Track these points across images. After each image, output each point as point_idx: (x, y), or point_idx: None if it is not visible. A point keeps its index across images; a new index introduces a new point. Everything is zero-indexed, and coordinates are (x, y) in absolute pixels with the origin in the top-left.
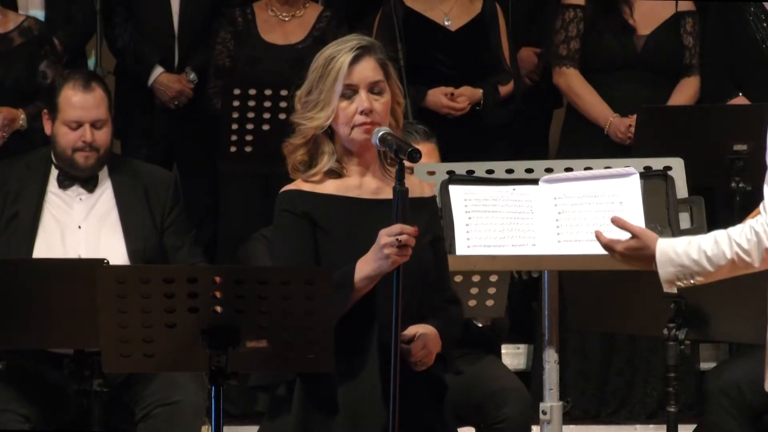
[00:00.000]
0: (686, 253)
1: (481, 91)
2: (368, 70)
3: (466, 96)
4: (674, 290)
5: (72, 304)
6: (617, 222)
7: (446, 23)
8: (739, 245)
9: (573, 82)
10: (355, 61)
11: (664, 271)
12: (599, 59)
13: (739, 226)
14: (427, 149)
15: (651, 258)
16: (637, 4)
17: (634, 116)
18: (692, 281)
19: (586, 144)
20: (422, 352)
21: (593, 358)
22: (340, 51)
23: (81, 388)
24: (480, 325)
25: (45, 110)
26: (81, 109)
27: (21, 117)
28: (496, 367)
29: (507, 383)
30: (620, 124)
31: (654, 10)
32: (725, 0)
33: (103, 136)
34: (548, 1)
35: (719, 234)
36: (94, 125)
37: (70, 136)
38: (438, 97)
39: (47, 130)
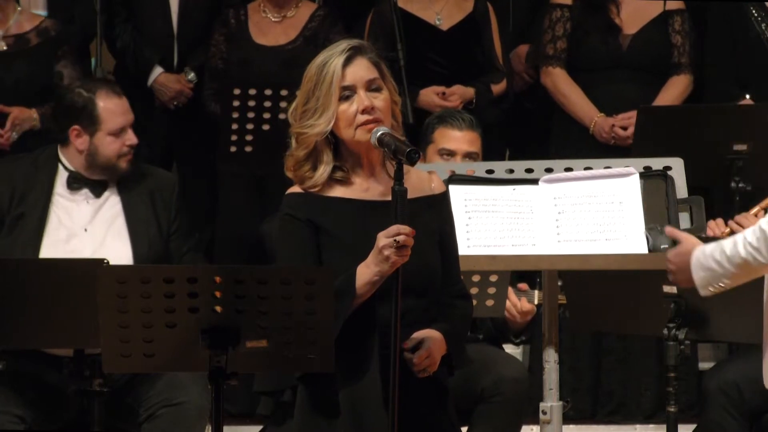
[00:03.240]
0: (712, 255)
1: (473, 89)
2: (362, 69)
3: (458, 95)
4: (708, 294)
5: (72, 304)
6: (669, 233)
7: (437, 23)
8: (750, 243)
9: (559, 81)
10: (347, 62)
11: (697, 275)
12: (585, 59)
13: (752, 226)
14: (471, 137)
15: (689, 263)
16: (624, 4)
17: (619, 116)
18: (721, 285)
19: (575, 144)
20: (426, 362)
21: (584, 358)
22: (332, 56)
23: (81, 388)
24: (514, 339)
25: (75, 126)
26: (122, 114)
27: (34, 116)
28: (497, 353)
29: (505, 361)
30: (605, 124)
31: (642, 9)
32: (726, 0)
33: (135, 136)
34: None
35: (738, 235)
36: (132, 127)
37: (115, 144)
38: (430, 96)
39: (80, 146)
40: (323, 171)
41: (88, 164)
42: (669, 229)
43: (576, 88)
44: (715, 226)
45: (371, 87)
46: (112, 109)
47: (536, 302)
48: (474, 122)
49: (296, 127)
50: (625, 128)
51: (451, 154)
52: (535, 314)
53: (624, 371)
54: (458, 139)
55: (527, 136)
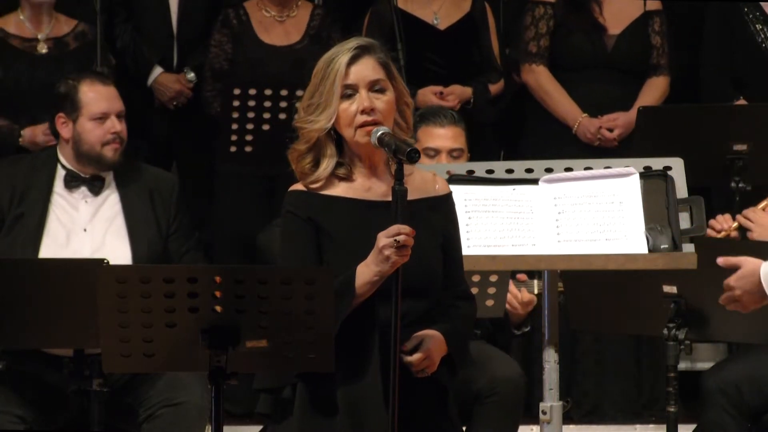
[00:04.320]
0: None
1: (471, 89)
2: (367, 69)
3: (455, 95)
4: None
5: (72, 304)
6: (724, 263)
7: (435, 22)
8: None
9: (542, 79)
10: (353, 61)
11: None
12: (569, 58)
13: None
14: (454, 133)
15: (758, 282)
16: (606, 3)
17: (605, 117)
18: None
19: (552, 143)
20: (424, 363)
21: (564, 358)
22: (339, 53)
23: (81, 388)
24: (516, 332)
25: (60, 114)
26: (106, 100)
27: None
28: (493, 353)
29: (500, 361)
30: (590, 125)
31: (623, 9)
32: (723, 0)
33: (125, 128)
34: None
35: None
36: (118, 116)
37: (98, 130)
38: (428, 96)
39: (65, 134)
40: (326, 166)
41: (75, 155)
42: (722, 260)
43: (559, 86)
44: (723, 220)
45: (374, 87)
46: (93, 94)
47: (536, 291)
48: (456, 117)
49: (299, 121)
50: (611, 129)
51: (436, 151)
52: (536, 304)
53: (600, 372)
54: (441, 136)
55: (523, 137)
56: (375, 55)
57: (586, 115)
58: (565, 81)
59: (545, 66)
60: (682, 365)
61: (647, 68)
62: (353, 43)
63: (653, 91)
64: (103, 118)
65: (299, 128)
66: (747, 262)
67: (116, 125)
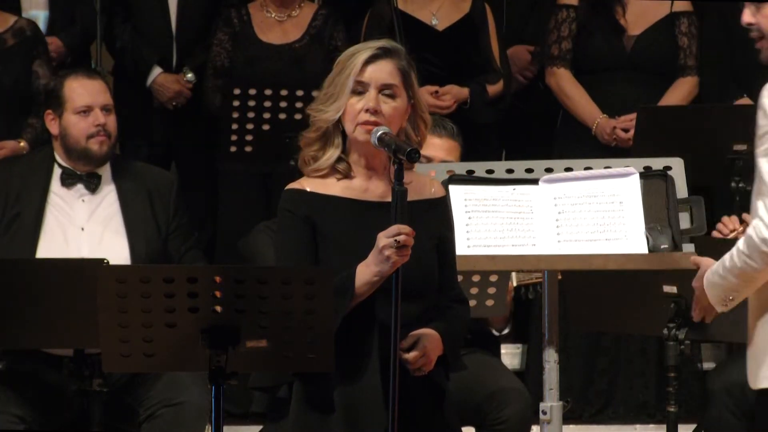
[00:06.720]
0: (717, 270)
1: (467, 89)
2: (383, 71)
3: (451, 94)
4: (725, 310)
5: (72, 304)
6: (692, 260)
7: (433, 23)
8: (742, 252)
9: (563, 82)
10: (372, 60)
11: (710, 294)
12: (590, 60)
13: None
14: (449, 146)
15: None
16: (630, 5)
17: (621, 118)
18: (731, 298)
19: (578, 145)
20: (421, 361)
21: (577, 357)
22: (362, 49)
23: (81, 388)
24: (497, 333)
25: (48, 110)
26: (89, 94)
27: (21, 145)
28: (496, 367)
29: (507, 383)
30: (607, 126)
31: (648, 10)
32: (724, 0)
33: (112, 121)
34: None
35: (735, 246)
36: (104, 109)
37: (82, 123)
38: (423, 95)
39: (54, 130)
40: (331, 155)
41: (64, 151)
42: (693, 259)
43: (580, 88)
44: (730, 222)
45: (385, 91)
46: (77, 88)
47: (515, 284)
48: (455, 131)
49: (311, 108)
50: (626, 130)
51: (428, 160)
52: (513, 294)
53: (615, 372)
54: (436, 145)
55: (523, 138)
56: (396, 61)
57: (604, 116)
58: (588, 83)
59: (567, 69)
60: None
61: (673, 69)
62: (380, 43)
63: (680, 90)
64: (87, 111)
65: (311, 116)
66: (703, 263)
67: (100, 118)
